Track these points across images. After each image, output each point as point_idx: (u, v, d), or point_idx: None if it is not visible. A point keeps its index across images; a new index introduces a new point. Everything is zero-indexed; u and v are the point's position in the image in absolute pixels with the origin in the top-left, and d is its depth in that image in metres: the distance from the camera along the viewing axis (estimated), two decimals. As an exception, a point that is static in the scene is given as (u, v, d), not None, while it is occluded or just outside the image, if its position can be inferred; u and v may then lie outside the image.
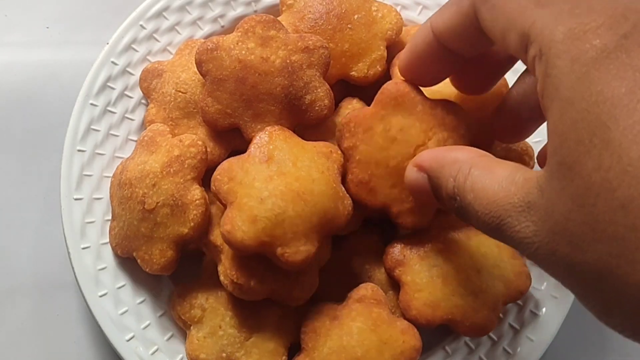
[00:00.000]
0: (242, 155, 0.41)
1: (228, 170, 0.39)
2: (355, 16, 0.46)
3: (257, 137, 0.41)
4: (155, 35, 0.49)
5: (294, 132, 0.44)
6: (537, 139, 0.46)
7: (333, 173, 0.41)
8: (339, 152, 0.42)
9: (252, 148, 0.41)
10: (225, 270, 0.41)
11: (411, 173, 0.35)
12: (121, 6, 0.54)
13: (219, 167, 0.40)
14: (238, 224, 0.38)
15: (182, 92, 0.46)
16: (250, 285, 0.41)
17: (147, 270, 0.43)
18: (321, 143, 0.42)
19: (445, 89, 0.41)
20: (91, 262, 0.45)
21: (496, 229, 0.27)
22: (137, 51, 0.49)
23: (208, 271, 0.45)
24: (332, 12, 0.46)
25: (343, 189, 0.41)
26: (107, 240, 0.46)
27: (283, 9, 0.48)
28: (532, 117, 0.37)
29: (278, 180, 0.39)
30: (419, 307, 0.42)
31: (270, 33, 0.43)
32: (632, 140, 0.21)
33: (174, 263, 0.42)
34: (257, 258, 0.40)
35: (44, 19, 0.56)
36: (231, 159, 0.40)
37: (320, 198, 0.39)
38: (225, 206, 0.39)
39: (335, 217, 0.40)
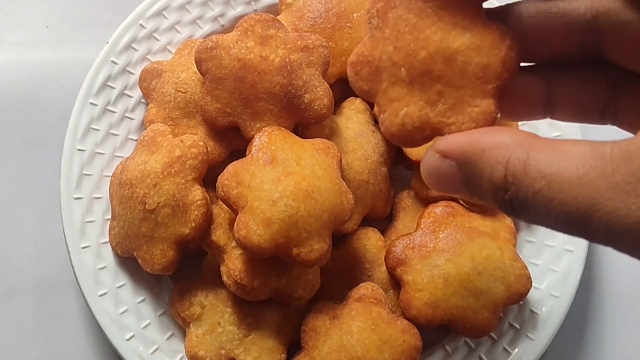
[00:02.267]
0: (245, 158, 0.41)
1: (234, 174, 0.39)
2: (355, 15, 0.46)
3: (257, 139, 0.41)
4: (155, 34, 0.49)
5: (295, 131, 0.44)
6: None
7: (334, 169, 0.41)
8: (336, 147, 0.42)
9: (253, 150, 0.40)
10: (229, 270, 0.41)
11: (432, 160, 0.26)
12: (121, 5, 0.54)
13: (224, 172, 0.40)
14: (253, 228, 0.38)
15: (182, 92, 0.46)
16: (254, 285, 0.41)
17: (148, 270, 0.43)
18: (318, 140, 0.42)
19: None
20: (91, 261, 0.45)
21: (582, 219, 0.22)
22: (137, 50, 0.49)
23: (209, 270, 0.45)
24: (331, 10, 0.46)
25: (344, 183, 0.41)
26: (107, 239, 0.46)
27: (282, 8, 0.48)
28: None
29: (286, 181, 0.39)
30: (419, 307, 0.42)
31: (270, 32, 0.43)
32: None
33: (174, 263, 0.42)
34: (261, 259, 0.41)
35: (44, 18, 0.56)
36: (235, 162, 0.40)
37: (327, 195, 0.39)
38: (235, 211, 0.39)
39: (342, 212, 0.40)
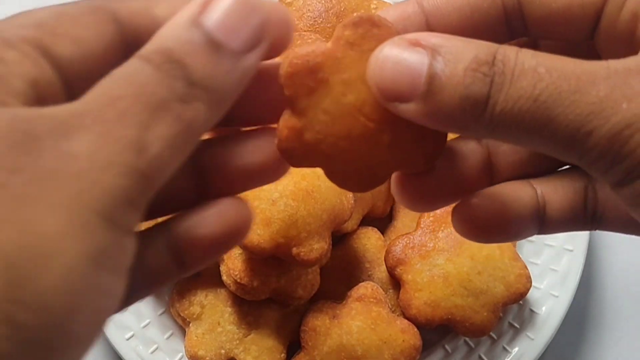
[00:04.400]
0: None
1: None
2: (355, 14, 0.46)
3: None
4: (154, 33, 0.49)
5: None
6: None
7: None
8: None
9: None
10: (228, 270, 0.41)
11: (397, 48, 0.20)
12: (120, 4, 0.54)
13: None
14: (252, 227, 0.38)
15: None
16: (254, 285, 0.41)
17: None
18: None
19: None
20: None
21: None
22: (136, 50, 0.49)
23: (209, 270, 0.45)
24: (331, 10, 0.46)
25: None
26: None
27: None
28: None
29: (286, 180, 0.39)
30: (419, 306, 0.42)
31: (270, 31, 0.43)
32: None
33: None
34: (261, 258, 0.41)
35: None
36: None
37: (327, 194, 0.39)
38: None
39: (341, 212, 0.40)
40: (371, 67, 0.21)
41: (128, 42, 0.21)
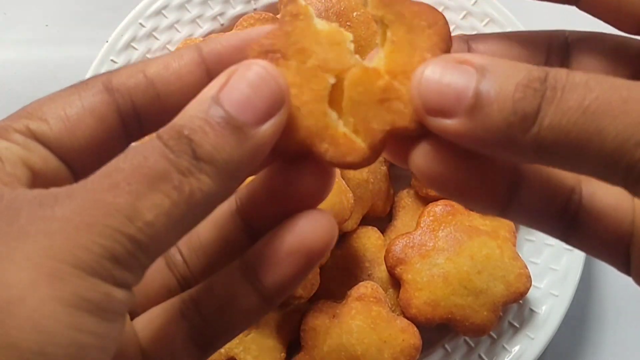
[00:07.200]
0: None
1: None
2: (355, 13, 0.46)
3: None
4: (154, 33, 0.49)
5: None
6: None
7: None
8: None
9: None
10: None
11: (444, 67, 0.20)
12: (121, 4, 0.54)
13: None
14: None
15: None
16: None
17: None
18: None
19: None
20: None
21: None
22: (136, 49, 0.49)
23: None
24: (331, 9, 0.46)
25: (344, 182, 0.41)
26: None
27: (282, 7, 0.48)
28: None
29: None
30: (419, 306, 0.42)
31: (270, 31, 0.43)
32: None
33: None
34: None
35: (44, 17, 0.56)
36: None
37: None
38: None
39: (341, 211, 0.40)
40: (415, 81, 0.21)
41: (125, 107, 0.22)
